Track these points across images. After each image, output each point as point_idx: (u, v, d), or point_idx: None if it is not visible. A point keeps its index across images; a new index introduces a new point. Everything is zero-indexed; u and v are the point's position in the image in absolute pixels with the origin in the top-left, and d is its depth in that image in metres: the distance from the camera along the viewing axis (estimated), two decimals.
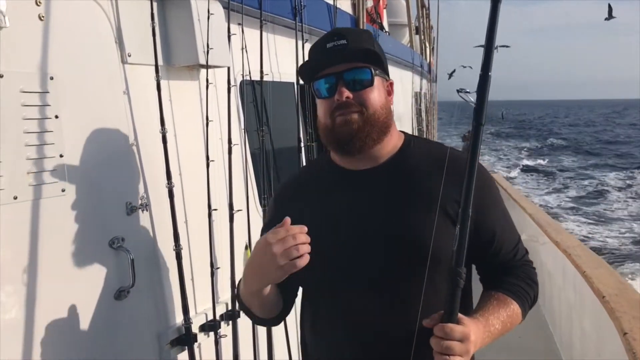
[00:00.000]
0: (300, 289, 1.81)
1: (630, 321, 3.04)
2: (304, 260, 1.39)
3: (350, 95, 1.57)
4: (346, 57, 1.59)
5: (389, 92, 1.69)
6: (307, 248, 1.40)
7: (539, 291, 1.71)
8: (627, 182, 28.28)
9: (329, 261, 1.60)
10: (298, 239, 1.39)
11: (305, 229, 1.41)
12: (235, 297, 2.78)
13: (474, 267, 1.69)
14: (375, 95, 1.61)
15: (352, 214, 1.62)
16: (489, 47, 1.30)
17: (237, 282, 1.79)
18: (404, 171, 1.64)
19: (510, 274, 1.66)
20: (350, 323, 1.61)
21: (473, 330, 1.40)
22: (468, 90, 1.35)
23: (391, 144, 1.67)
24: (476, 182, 1.38)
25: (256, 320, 1.77)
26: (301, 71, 1.68)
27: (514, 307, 1.60)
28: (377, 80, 1.62)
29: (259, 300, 1.63)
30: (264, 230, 1.74)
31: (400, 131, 1.74)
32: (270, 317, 1.74)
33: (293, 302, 1.81)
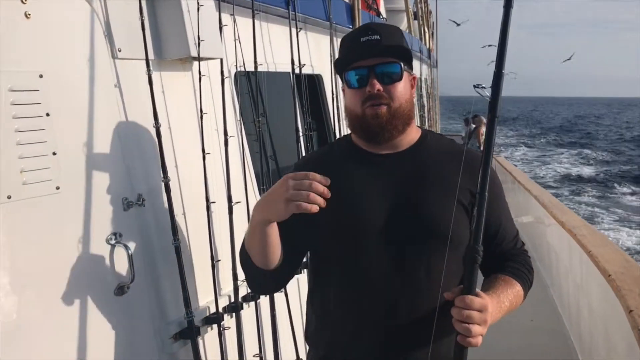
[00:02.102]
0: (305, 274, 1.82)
1: (636, 299, 3.02)
2: (311, 208, 1.48)
3: (381, 88, 1.70)
4: (380, 52, 1.71)
5: (412, 85, 1.80)
6: (319, 200, 1.48)
7: (541, 273, 1.79)
8: None
9: (354, 235, 1.71)
10: (314, 187, 1.47)
11: (328, 181, 1.49)
12: (240, 260, 2.82)
13: None
14: (402, 89, 1.74)
15: (375, 192, 1.73)
16: (502, 47, 1.44)
17: (238, 257, 1.85)
18: (422, 159, 1.78)
19: (511, 260, 1.81)
20: (372, 294, 1.70)
21: (490, 303, 1.53)
22: (484, 86, 1.46)
23: (411, 135, 1.81)
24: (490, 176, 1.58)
25: (254, 273, 1.76)
26: (336, 62, 1.81)
27: (519, 289, 1.74)
28: (405, 75, 1.75)
29: (259, 239, 1.66)
30: None
31: (418, 126, 1.88)
32: (267, 269, 1.73)
33: (294, 269, 1.83)
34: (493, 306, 1.55)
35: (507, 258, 1.80)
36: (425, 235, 1.69)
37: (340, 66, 1.78)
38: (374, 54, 1.71)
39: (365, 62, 1.71)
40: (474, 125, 14.39)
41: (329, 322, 1.77)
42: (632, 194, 24.14)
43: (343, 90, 1.83)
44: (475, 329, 1.47)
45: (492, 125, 1.48)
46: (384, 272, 1.69)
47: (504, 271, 1.75)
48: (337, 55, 1.88)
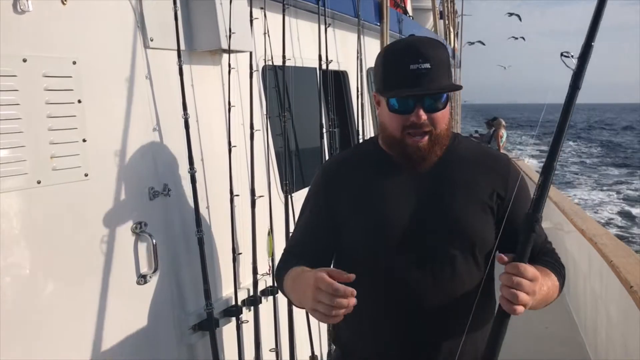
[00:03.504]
0: None
1: None
2: (331, 320, 1.48)
3: (426, 118, 1.65)
4: (431, 86, 1.63)
5: (447, 103, 1.75)
6: (339, 317, 1.46)
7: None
8: None
9: (381, 237, 1.71)
10: (338, 303, 1.43)
11: (354, 297, 1.45)
12: (274, 282, 2.86)
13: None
14: (445, 115, 1.70)
15: (403, 195, 1.72)
16: (597, 17, 1.44)
17: (273, 267, 1.88)
18: (448, 163, 1.75)
19: (545, 255, 1.77)
20: (397, 295, 1.70)
21: (540, 276, 1.49)
22: (572, 55, 1.46)
23: None
24: (514, 177, 1.71)
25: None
26: (379, 82, 1.73)
27: (555, 279, 1.68)
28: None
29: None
30: (308, 204, 1.87)
31: None
32: None
33: None
34: (540, 281, 1.51)
35: (538, 254, 1.76)
36: (451, 238, 1.69)
37: (385, 90, 1.70)
38: (424, 87, 1.63)
39: (414, 91, 1.64)
40: (493, 129, 14.30)
41: (354, 321, 1.77)
42: None
43: (378, 102, 1.77)
44: (523, 296, 1.44)
45: (573, 96, 1.46)
46: (409, 273, 1.69)
47: (538, 262, 1.70)
48: (364, 53, 1.85)
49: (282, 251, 1.92)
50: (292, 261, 1.76)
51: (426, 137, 1.67)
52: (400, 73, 1.64)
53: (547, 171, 1.47)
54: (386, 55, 1.72)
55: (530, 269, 1.46)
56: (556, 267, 1.74)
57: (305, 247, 1.82)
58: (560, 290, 1.72)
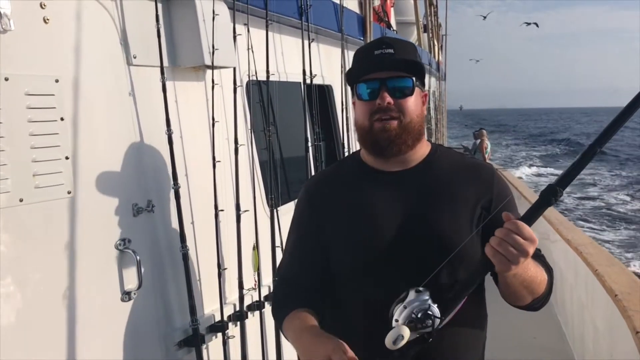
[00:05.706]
0: None
1: None
2: None
3: (392, 102, 1.67)
4: (393, 66, 1.69)
5: (423, 102, 1.78)
6: None
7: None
8: None
9: (367, 253, 1.70)
10: None
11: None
12: (260, 297, 2.89)
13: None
14: (413, 104, 1.71)
15: (386, 211, 1.71)
16: None
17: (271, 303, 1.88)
18: (432, 175, 1.75)
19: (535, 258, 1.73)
20: (377, 309, 1.66)
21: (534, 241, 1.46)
22: None
23: (421, 151, 1.78)
24: (499, 187, 1.71)
25: None
26: (348, 74, 1.79)
27: (542, 272, 1.67)
28: (416, 91, 1.73)
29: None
30: (295, 227, 1.86)
31: (427, 140, 1.85)
32: None
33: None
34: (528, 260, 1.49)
35: None
36: (437, 252, 1.66)
37: (352, 78, 1.76)
38: (386, 67, 1.69)
39: (377, 74, 1.69)
40: (479, 140, 14.43)
41: (343, 336, 1.76)
42: None
43: (354, 103, 1.81)
44: (512, 252, 1.42)
45: None
46: (396, 289, 1.65)
47: None
48: (348, 67, 1.88)
49: (269, 262, 1.91)
50: (292, 296, 1.74)
51: (395, 122, 1.67)
52: (365, 60, 1.74)
53: (588, 152, 1.46)
54: (356, 52, 1.82)
55: (528, 229, 1.44)
56: (545, 266, 1.72)
57: (301, 278, 1.78)
58: (549, 290, 1.70)
